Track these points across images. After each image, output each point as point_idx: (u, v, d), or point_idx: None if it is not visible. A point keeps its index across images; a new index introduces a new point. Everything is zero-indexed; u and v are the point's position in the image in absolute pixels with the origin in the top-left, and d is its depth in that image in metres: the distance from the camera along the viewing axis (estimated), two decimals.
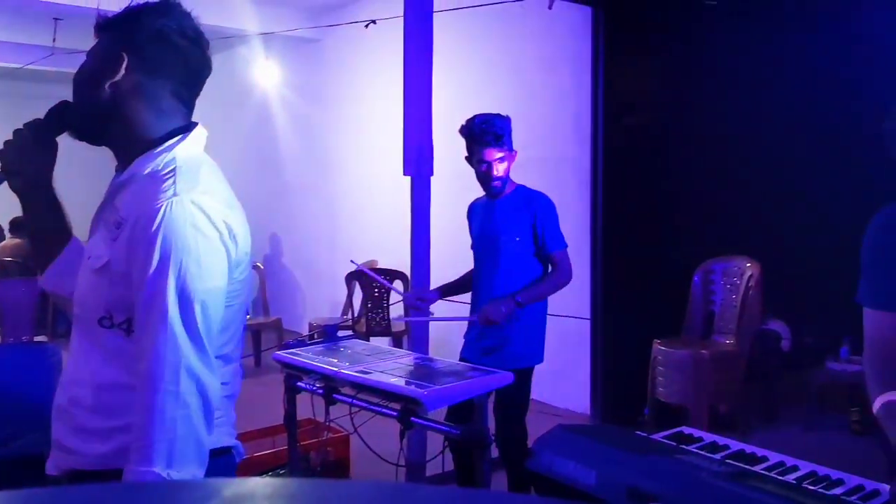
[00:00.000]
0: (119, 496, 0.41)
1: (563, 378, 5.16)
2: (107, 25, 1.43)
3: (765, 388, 4.70)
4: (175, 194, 1.30)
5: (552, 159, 5.30)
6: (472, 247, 3.25)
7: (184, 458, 1.24)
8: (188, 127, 1.46)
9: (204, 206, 1.31)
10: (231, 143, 9.26)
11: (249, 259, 1.46)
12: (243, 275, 1.42)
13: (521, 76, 5.60)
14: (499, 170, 3.02)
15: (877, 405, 1.50)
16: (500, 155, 3.01)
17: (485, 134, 3.00)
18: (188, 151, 1.41)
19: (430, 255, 3.84)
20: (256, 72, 8.23)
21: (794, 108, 4.89)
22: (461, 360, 3.11)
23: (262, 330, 6.63)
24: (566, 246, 3.08)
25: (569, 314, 5.00)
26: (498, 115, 3.06)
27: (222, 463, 1.43)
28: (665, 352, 4.41)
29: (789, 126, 4.94)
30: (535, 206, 3.02)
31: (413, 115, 3.73)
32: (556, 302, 5.02)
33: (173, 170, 1.35)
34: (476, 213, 3.24)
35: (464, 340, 3.23)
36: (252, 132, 8.72)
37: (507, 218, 3.07)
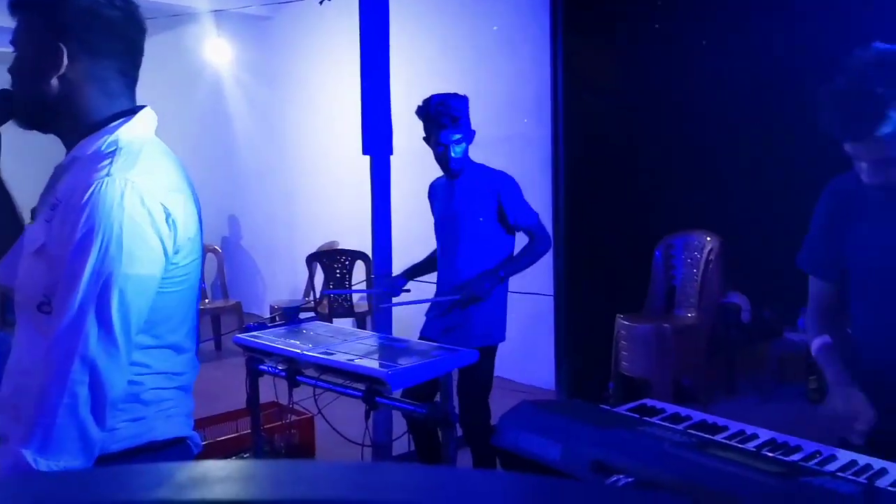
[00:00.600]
0: (60, 484, 0.41)
1: (527, 355, 5.22)
2: (25, 4, 1.35)
3: (726, 359, 4.81)
4: (108, 174, 1.26)
5: (513, 138, 5.31)
6: (435, 227, 3.25)
7: (59, 448, 1.20)
8: (134, 109, 1.42)
9: (138, 188, 1.26)
10: (182, 124, 9.08)
11: (198, 245, 1.42)
12: (187, 260, 1.37)
13: (480, 54, 5.59)
14: (456, 151, 3.01)
15: (814, 347, 1.74)
16: (457, 136, 3.00)
17: (441, 116, 2.98)
18: (132, 133, 1.37)
19: (392, 235, 3.84)
20: (207, 50, 8.06)
21: (754, 83, 4.96)
22: (421, 338, 3.12)
23: (222, 314, 6.57)
24: (537, 215, 3.10)
25: (532, 291, 5.05)
26: (455, 96, 3.03)
27: (175, 453, 1.42)
28: (628, 326, 4.47)
29: (750, 102, 5.01)
30: (497, 186, 3.02)
31: (371, 94, 3.70)
32: (520, 280, 5.06)
33: (114, 151, 1.31)
34: (437, 193, 3.24)
35: (425, 319, 3.24)
36: (204, 113, 8.56)
37: (468, 198, 3.07)
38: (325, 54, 6.78)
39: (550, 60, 4.89)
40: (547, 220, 5.00)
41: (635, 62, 5.04)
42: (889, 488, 1.33)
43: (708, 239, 4.63)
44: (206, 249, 7.01)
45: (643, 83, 5.00)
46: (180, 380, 1.43)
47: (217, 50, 7.99)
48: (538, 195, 5.09)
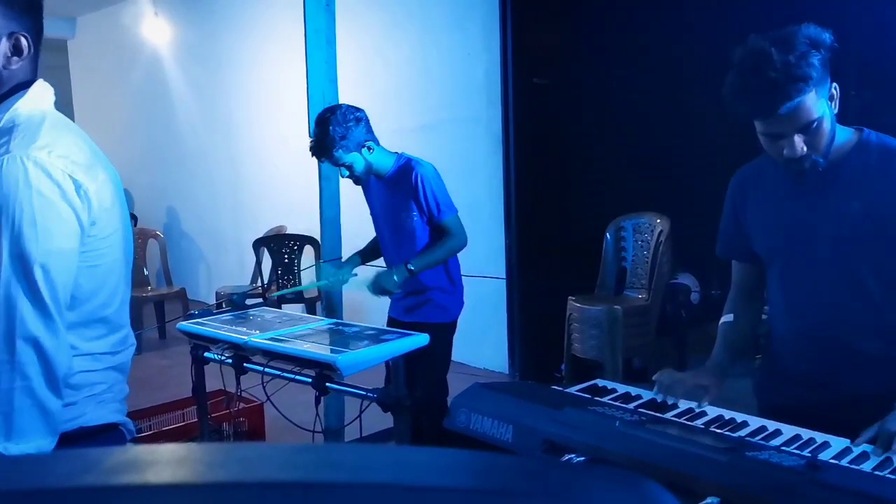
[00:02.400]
0: None
1: (480, 338, 5.25)
2: None
3: (676, 339, 4.92)
4: (7, 151, 1.24)
5: (463, 119, 5.31)
6: (374, 221, 3.27)
7: (25, 431, 1.21)
8: (29, 82, 1.38)
9: (42, 162, 1.25)
10: (120, 106, 8.86)
11: (118, 217, 1.41)
12: (107, 232, 1.36)
13: (429, 35, 5.56)
14: (354, 172, 3.01)
15: (719, 324, 1.90)
16: (344, 165, 2.98)
17: (318, 156, 3.01)
18: (30, 107, 1.34)
19: (341, 219, 3.81)
20: (145, 29, 7.86)
21: (702, 65, 5.03)
22: (388, 320, 3.21)
23: (166, 301, 6.45)
24: (456, 211, 3.08)
25: (484, 275, 5.08)
26: (328, 127, 2.91)
27: (108, 440, 1.40)
28: (580, 308, 4.53)
29: (697, 83, 5.09)
30: (416, 180, 3.00)
31: (317, 76, 3.65)
32: (471, 263, 5.09)
33: (12, 126, 1.29)
34: (371, 191, 3.23)
35: (390, 300, 3.28)
36: (143, 95, 8.36)
37: (398, 196, 3.08)
38: (270, 35, 6.66)
39: (500, 40, 4.90)
40: (498, 202, 5.04)
41: (585, 43, 5.08)
42: (831, 461, 1.38)
43: (658, 221, 4.71)
44: (147, 234, 6.89)
45: (593, 65, 5.04)
46: (113, 360, 1.41)
47: (155, 30, 7.79)
48: (489, 177, 5.12)
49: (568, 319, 4.61)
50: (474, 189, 5.21)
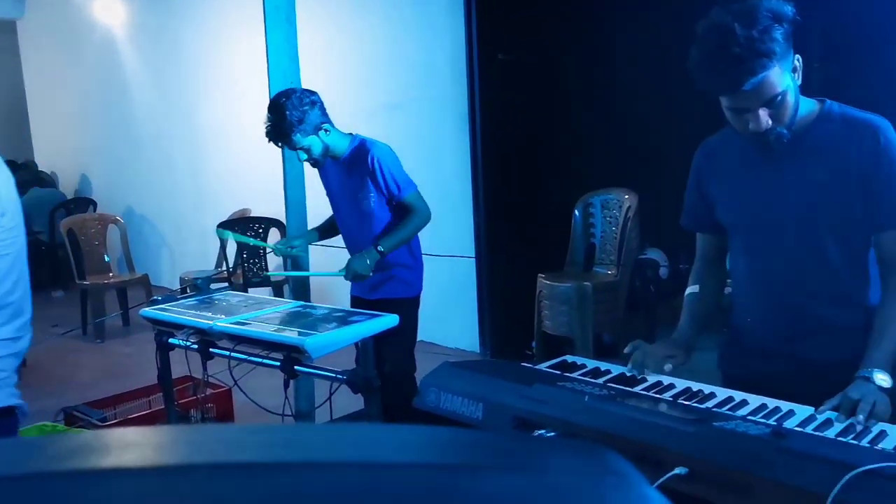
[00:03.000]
0: None
1: (450, 317, 5.27)
2: None
3: (645, 314, 4.98)
4: None
5: (428, 98, 5.28)
6: (331, 203, 3.28)
7: None
8: None
9: None
10: (73, 88, 8.67)
11: (20, 207, 1.45)
12: (13, 222, 1.41)
13: (392, 12, 5.51)
14: (312, 154, 3.01)
15: (685, 295, 1.95)
16: (302, 149, 2.98)
17: (272, 138, 2.99)
18: None
19: (307, 201, 3.78)
20: (98, 9, 7.67)
21: (669, 41, 5.05)
22: (352, 299, 3.22)
23: (128, 287, 6.37)
24: (416, 188, 3.10)
25: (453, 254, 5.08)
26: (284, 111, 2.90)
27: (5, 424, 1.41)
28: (549, 285, 4.57)
29: (665, 58, 5.11)
30: (372, 162, 3.01)
31: (278, 56, 3.61)
32: (440, 242, 5.10)
33: None
34: (327, 173, 3.22)
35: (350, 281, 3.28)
36: (97, 76, 8.18)
37: (354, 178, 3.08)
38: (228, 13, 6.55)
39: (464, 17, 4.87)
40: (465, 180, 5.04)
41: (550, 18, 5.07)
42: (796, 428, 1.41)
43: (626, 197, 4.75)
44: (107, 220, 6.79)
45: (559, 40, 5.04)
46: (14, 346, 1.43)
47: (109, 9, 7.61)
48: (456, 155, 5.11)
49: (538, 297, 4.64)
50: (441, 168, 5.20)
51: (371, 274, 3.01)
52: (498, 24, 4.89)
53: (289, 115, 2.88)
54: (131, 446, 0.38)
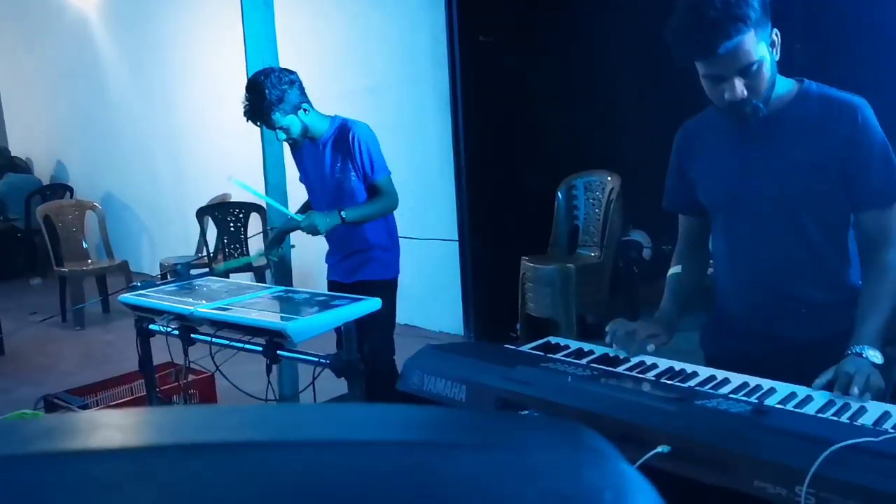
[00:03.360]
0: None
1: (434, 301, 5.27)
2: None
3: (629, 295, 5.02)
4: None
5: (409, 80, 5.25)
6: (306, 186, 3.27)
7: None
8: None
9: None
10: (42, 71, 8.54)
11: None
12: None
13: None
14: (291, 134, 3.00)
15: (668, 274, 1.97)
16: (281, 128, 2.97)
17: (251, 117, 2.97)
18: None
19: (287, 185, 3.76)
20: None
21: (651, 22, 5.05)
22: (329, 284, 3.21)
23: (108, 274, 6.32)
24: (389, 173, 3.11)
25: (436, 237, 5.08)
26: (263, 90, 2.88)
27: None
28: (533, 268, 4.58)
29: (647, 39, 5.11)
30: (353, 139, 3.02)
31: (256, 38, 3.57)
32: (423, 226, 5.09)
33: None
34: (303, 155, 3.20)
35: (327, 266, 3.29)
36: (69, 59, 8.07)
37: (336, 158, 3.08)
38: None
39: (445, 2, 4.84)
40: (448, 163, 5.03)
41: (533, 3, 5.05)
42: (777, 406, 1.43)
43: (609, 178, 4.76)
44: (84, 207, 6.72)
45: (540, 21, 5.03)
46: None
47: None
48: (437, 138, 5.10)
49: (521, 279, 4.66)
50: (423, 151, 5.19)
51: (324, 231, 2.98)
52: (478, 6, 4.86)
53: (268, 94, 2.86)
54: (99, 428, 0.38)
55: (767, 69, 1.62)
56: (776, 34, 1.64)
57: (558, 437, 0.42)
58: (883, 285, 1.66)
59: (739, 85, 1.60)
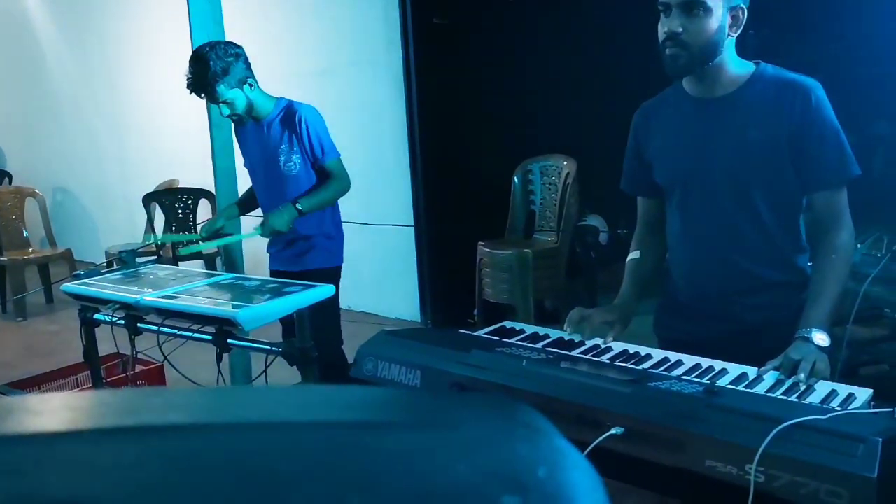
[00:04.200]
0: None
1: (390, 287, 5.26)
2: None
3: (586, 280, 5.07)
4: None
5: (362, 63, 5.21)
6: (249, 169, 3.23)
7: None
8: None
9: None
10: None
11: None
12: None
13: None
14: (235, 109, 2.96)
15: (627, 260, 2.01)
16: (225, 102, 2.92)
17: (194, 89, 2.93)
18: None
19: (237, 170, 3.71)
20: None
21: (608, 4, 5.09)
22: (272, 274, 3.17)
23: (50, 263, 6.17)
24: (339, 155, 3.10)
25: (391, 223, 5.07)
26: (208, 61, 2.85)
27: None
28: (489, 253, 4.60)
29: (602, 22, 5.15)
30: (300, 121, 2.99)
31: (201, 19, 3.51)
32: (378, 211, 5.07)
33: None
34: (247, 136, 3.16)
35: (269, 255, 3.26)
36: (5, 41, 7.82)
37: (281, 140, 3.04)
38: None
39: None
40: (402, 147, 5.01)
41: None
42: (728, 386, 1.46)
43: (565, 163, 4.79)
44: (24, 193, 6.54)
45: (496, 7, 5.02)
46: None
47: None
48: (392, 122, 5.07)
49: (478, 265, 4.67)
50: (377, 135, 5.16)
51: (287, 230, 2.96)
52: None
53: (212, 65, 2.83)
54: (12, 412, 0.36)
55: (712, 26, 1.66)
56: (742, 11, 1.70)
57: (491, 414, 0.42)
58: (832, 268, 1.71)
59: (676, 21, 1.66)
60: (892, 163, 4.14)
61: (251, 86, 2.96)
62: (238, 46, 2.96)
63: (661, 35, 1.69)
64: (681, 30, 1.65)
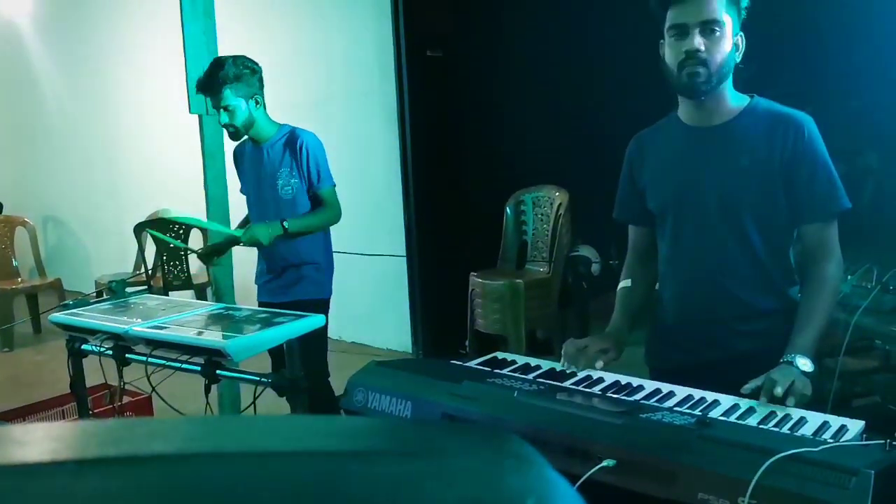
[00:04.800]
0: None
1: (381, 318, 5.25)
2: None
3: (578, 310, 5.06)
4: None
5: (356, 94, 5.25)
6: (245, 192, 3.24)
7: None
8: None
9: None
10: None
11: None
12: None
13: (316, 7, 5.45)
14: (234, 119, 2.98)
15: (618, 288, 2.03)
16: (227, 108, 2.95)
17: (203, 87, 2.99)
18: None
19: (229, 200, 3.71)
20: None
21: (599, 36, 5.15)
22: (260, 305, 3.16)
23: (39, 293, 6.13)
24: (334, 184, 3.11)
25: (383, 252, 5.07)
26: (224, 65, 2.93)
27: None
28: (481, 283, 4.60)
29: (595, 54, 5.21)
30: (301, 146, 3.02)
31: (196, 49, 3.53)
32: (370, 241, 5.07)
33: None
34: (245, 160, 3.19)
35: (257, 287, 3.26)
36: (0, 71, 7.84)
37: (280, 164, 3.06)
38: (146, 4, 6.37)
39: (391, 12, 4.85)
40: (395, 177, 5.03)
41: (480, 14, 5.10)
42: (720, 417, 1.46)
43: (556, 193, 4.81)
44: (14, 223, 6.52)
45: (488, 36, 5.07)
46: None
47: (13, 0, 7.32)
48: (385, 151, 5.09)
49: (470, 295, 4.67)
50: (371, 165, 5.18)
51: (267, 243, 2.95)
52: (425, 20, 4.89)
53: (227, 69, 2.90)
54: (12, 443, 0.36)
55: (727, 46, 1.71)
56: (741, 38, 1.75)
57: (481, 444, 0.42)
58: (820, 297, 1.73)
59: (697, 39, 1.69)
60: (882, 195, 4.18)
61: (258, 103, 3.00)
62: (258, 65, 3.03)
63: (678, 56, 1.72)
64: (702, 48, 1.69)
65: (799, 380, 1.55)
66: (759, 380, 1.57)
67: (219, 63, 2.94)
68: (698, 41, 1.69)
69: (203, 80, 2.95)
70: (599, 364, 1.83)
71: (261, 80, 3.02)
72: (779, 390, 1.50)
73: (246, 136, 3.13)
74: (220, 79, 2.89)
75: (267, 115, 3.07)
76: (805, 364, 1.62)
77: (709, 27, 1.69)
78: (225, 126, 3.02)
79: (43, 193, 7.94)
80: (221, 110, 2.97)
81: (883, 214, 3.91)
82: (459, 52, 5.02)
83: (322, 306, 3.06)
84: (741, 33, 1.75)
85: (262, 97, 3.03)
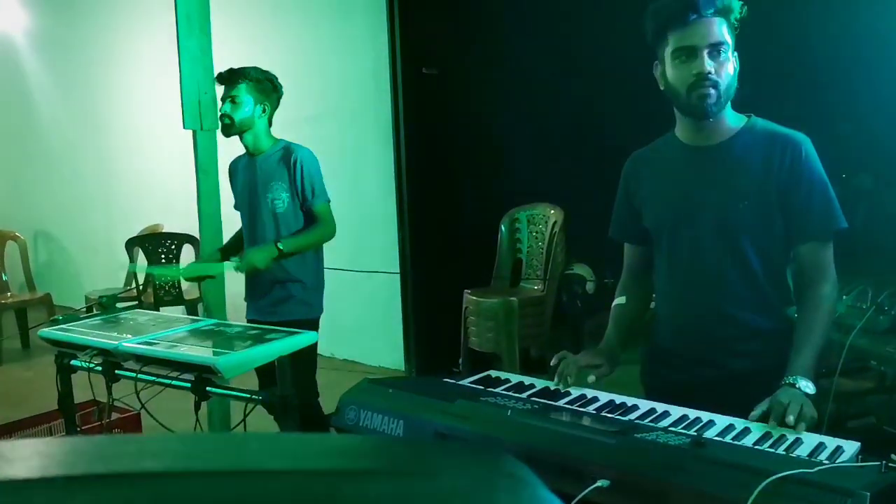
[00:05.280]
0: None
1: (374, 335, 5.23)
2: None
3: (572, 329, 5.06)
4: None
5: (351, 111, 5.26)
6: (237, 207, 3.26)
7: None
8: None
9: None
10: None
11: None
12: None
13: (311, 22, 5.47)
14: (235, 112, 3.04)
15: (612, 305, 2.04)
16: (233, 98, 3.02)
17: (223, 75, 3.09)
18: None
19: (222, 216, 3.70)
20: None
21: (595, 54, 5.18)
22: (249, 322, 3.14)
23: (29, 308, 6.10)
24: (329, 200, 3.13)
25: (377, 270, 5.06)
26: (251, 67, 3.11)
27: None
28: (475, 301, 4.59)
29: (591, 73, 5.24)
30: (295, 162, 3.04)
31: (192, 66, 3.54)
32: (364, 258, 5.07)
33: None
34: (238, 172, 3.21)
35: (246, 305, 3.26)
36: None
37: (273, 178, 3.08)
38: (139, 20, 6.39)
39: (387, 29, 4.88)
40: (390, 194, 5.03)
41: (476, 32, 5.13)
42: (715, 438, 1.45)
43: (551, 212, 4.83)
44: (5, 237, 6.50)
45: (484, 54, 5.10)
46: None
47: (8, 14, 7.33)
48: (379, 169, 5.10)
49: (464, 313, 4.66)
50: (365, 182, 5.18)
51: (266, 267, 2.96)
52: (421, 37, 4.91)
53: (253, 70, 3.05)
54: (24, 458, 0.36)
55: (731, 66, 1.73)
56: (735, 57, 1.76)
57: (473, 463, 0.41)
58: (816, 318, 1.73)
59: (706, 61, 1.71)
60: (877, 215, 4.20)
61: (264, 111, 3.08)
62: (282, 87, 3.17)
63: (686, 78, 1.73)
64: (712, 70, 1.70)
65: (806, 403, 1.55)
66: (764, 404, 1.56)
67: (248, 66, 3.07)
68: (708, 62, 1.71)
69: (226, 71, 3.05)
70: (591, 379, 1.83)
71: (278, 99, 3.15)
72: (791, 418, 1.48)
73: (244, 152, 3.16)
74: (243, 72, 3.02)
75: (269, 129, 3.13)
76: (808, 386, 1.61)
77: (716, 49, 1.71)
78: (222, 116, 3.07)
79: (34, 208, 7.92)
80: (228, 101, 3.03)
81: (877, 235, 3.93)
82: (455, 69, 5.04)
83: (311, 327, 3.04)
84: (736, 53, 1.77)
85: (271, 112, 3.12)
